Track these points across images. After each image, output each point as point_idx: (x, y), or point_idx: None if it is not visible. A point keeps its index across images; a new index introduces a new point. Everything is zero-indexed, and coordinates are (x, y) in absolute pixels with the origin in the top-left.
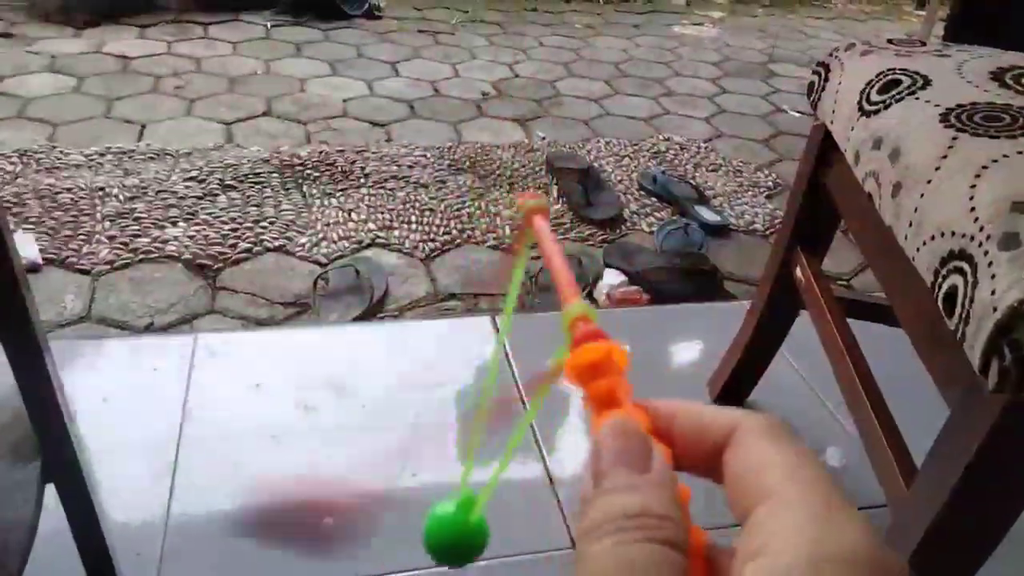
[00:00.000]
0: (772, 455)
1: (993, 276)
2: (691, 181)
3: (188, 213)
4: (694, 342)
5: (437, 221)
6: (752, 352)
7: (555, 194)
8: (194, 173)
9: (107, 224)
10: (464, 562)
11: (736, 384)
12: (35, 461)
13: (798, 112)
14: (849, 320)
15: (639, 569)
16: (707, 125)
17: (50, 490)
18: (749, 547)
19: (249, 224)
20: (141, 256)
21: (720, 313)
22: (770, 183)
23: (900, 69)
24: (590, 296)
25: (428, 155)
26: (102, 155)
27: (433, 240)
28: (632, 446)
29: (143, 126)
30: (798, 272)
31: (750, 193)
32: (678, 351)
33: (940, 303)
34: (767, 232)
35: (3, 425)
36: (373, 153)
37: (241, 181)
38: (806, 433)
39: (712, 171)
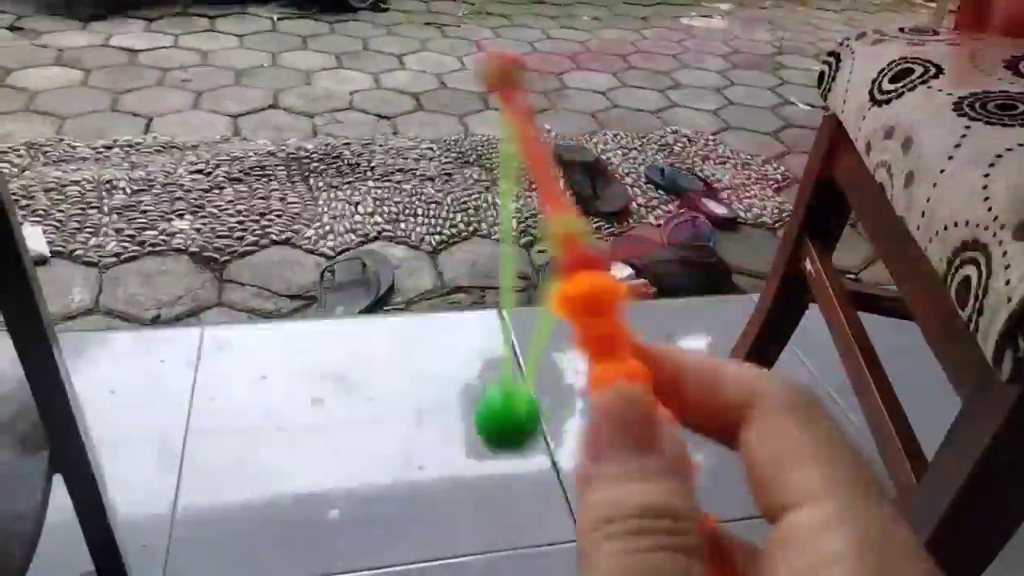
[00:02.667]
0: (804, 442)
1: (1007, 266)
2: (699, 174)
3: (195, 206)
4: (702, 335)
5: (444, 214)
6: (761, 345)
7: (562, 187)
8: (200, 166)
9: (114, 217)
10: (517, 444)
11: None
12: (43, 452)
13: (807, 104)
14: (859, 313)
15: None
16: (715, 117)
17: (58, 481)
18: (792, 564)
19: (255, 217)
20: (148, 249)
21: (728, 306)
22: (778, 176)
23: (912, 58)
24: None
25: (435, 148)
26: (109, 148)
27: (439, 233)
28: (638, 418)
29: (150, 119)
30: (807, 265)
31: (758, 186)
32: (686, 345)
33: (953, 294)
34: (775, 225)
35: (11, 416)
36: (379, 146)
37: (247, 174)
38: None
39: (720, 164)
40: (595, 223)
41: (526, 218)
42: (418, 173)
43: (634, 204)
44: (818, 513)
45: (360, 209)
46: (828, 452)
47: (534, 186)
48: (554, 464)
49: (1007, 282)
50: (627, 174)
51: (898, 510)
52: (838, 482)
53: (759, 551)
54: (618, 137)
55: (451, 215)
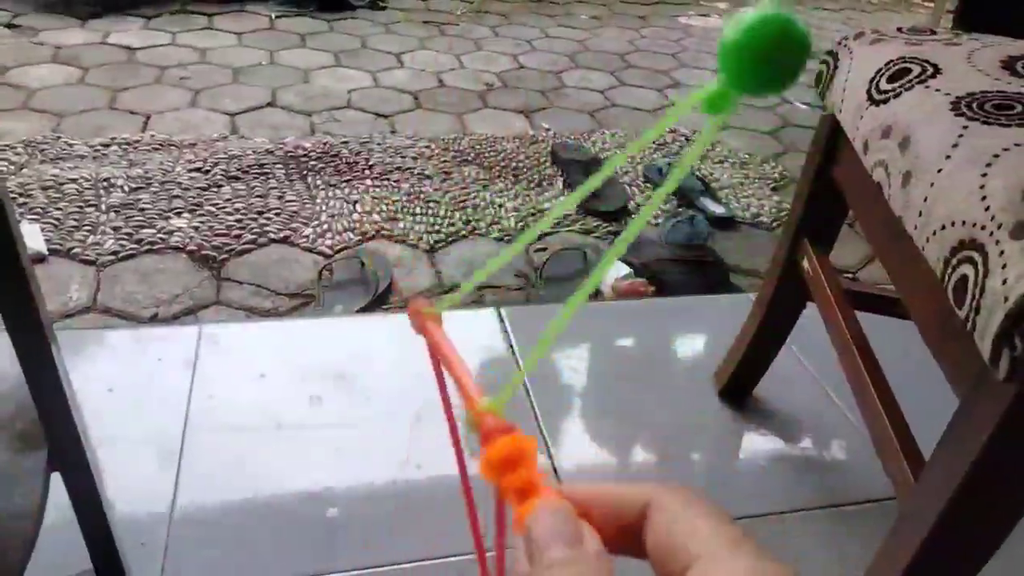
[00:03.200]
0: (694, 520)
1: (1004, 266)
2: (697, 173)
3: (193, 204)
4: (700, 334)
5: (442, 212)
6: (758, 344)
7: (560, 186)
8: (198, 164)
9: (112, 215)
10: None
11: (742, 377)
12: (41, 450)
13: (804, 104)
14: (856, 312)
15: None
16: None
17: (56, 479)
18: None
19: (253, 215)
20: (146, 247)
21: (726, 305)
22: (776, 175)
23: (910, 57)
24: (595, 289)
25: (433, 146)
26: (107, 146)
27: (438, 231)
28: (566, 524)
29: (148, 117)
30: (805, 264)
31: (756, 185)
32: (684, 344)
33: (950, 293)
34: (773, 224)
35: (9, 414)
36: (378, 144)
37: (245, 172)
38: (812, 426)
39: (718, 163)
40: (593, 222)
41: (524, 217)
42: (416, 172)
43: (632, 203)
44: (705, 561)
45: (358, 208)
46: (714, 524)
47: (459, 391)
48: (552, 463)
49: (1004, 281)
50: (625, 173)
51: (787, 565)
52: (722, 538)
53: None
54: (616, 136)
55: (449, 214)
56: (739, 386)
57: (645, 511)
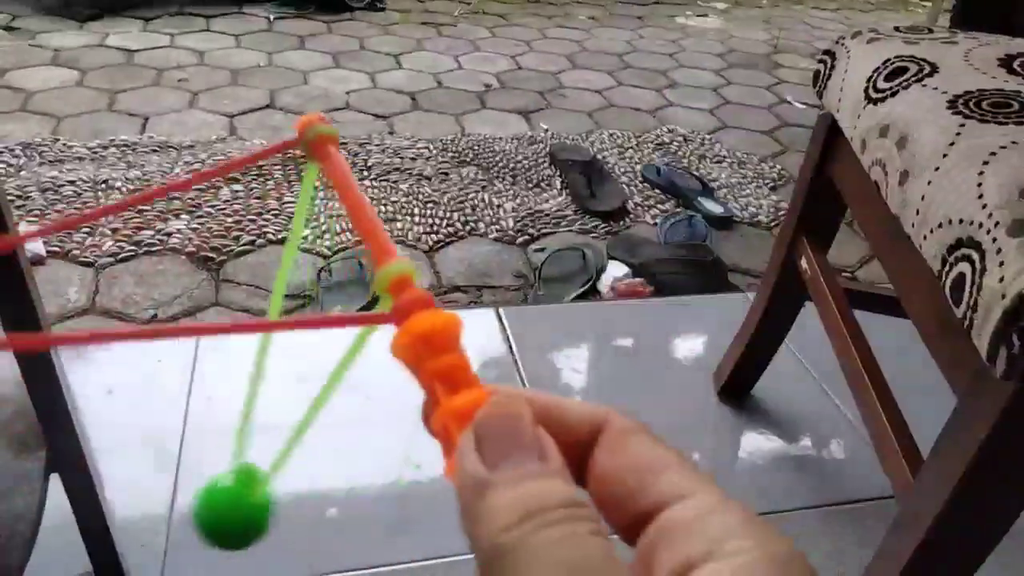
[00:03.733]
0: (664, 454)
1: (1001, 263)
2: (695, 173)
3: (191, 205)
4: (698, 334)
5: (440, 213)
6: (757, 343)
7: (559, 186)
8: (197, 166)
9: (110, 217)
10: (241, 545)
11: (741, 376)
12: (40, 452)
13: (803, 103)
14: (855, 311)
15: (612, 565)
16: (711, 116)
17: (55, 481)
18: (679, 551)
19: (252, 216)
20: (144, 249)
21: (724, 305)
22: (775, 175)
23: (907, 56)
24: (594, 288)
25: (431, 147)
26: (105, 148)
27: (436, 232)
28: (527, 427)
29: (146, 119)
30: (803, 263)
31: (754, 185)
32: (682, 343)
33: (948, 291)
34: (771, 224)
35: (8, 417)
36: (376, 145)
37: (244, 173)
38: (811, 424)
39: (716, 163)
40: (591, 222)
41: (523, 217)
42: (414, 172)
43: (630, 203)
44: (701, 502)
45: None
46: (684, 460)
47: (362, 240)
48: None
49: (1001, 279)
50: (623, 173)
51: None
52: (706, 480)
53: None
54: (614, 136)
55: (448, 214)
56: (738, 385)
57: (595, 433)
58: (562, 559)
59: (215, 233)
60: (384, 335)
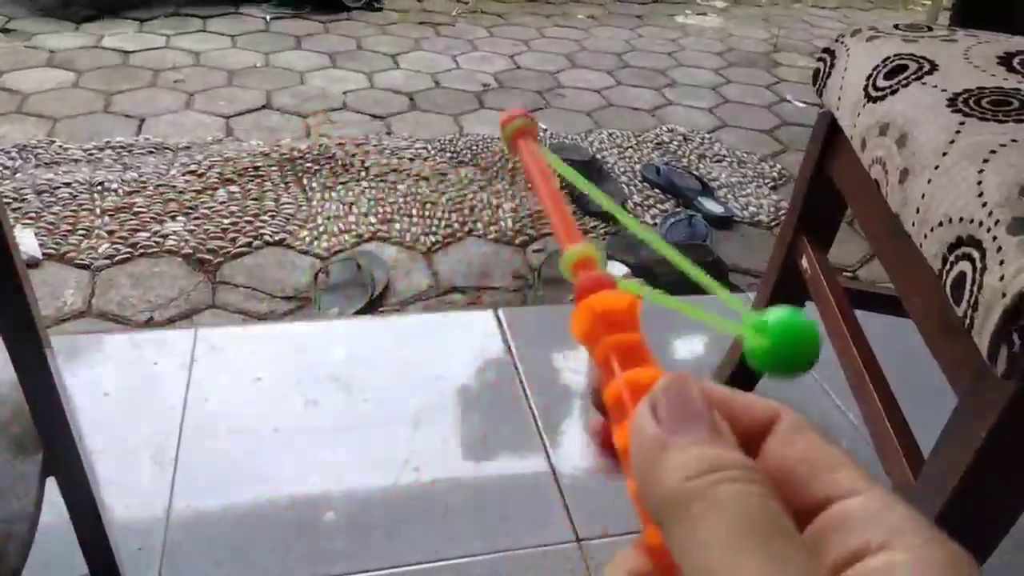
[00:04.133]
0: (837, 453)
1: (1002, 262)
2: (695, 172)
3: (188, 207)
4: (698, 334)
5: (438, 214)
6: None
7: (557, 186)
8: (193, 167)
9: (106, 219)
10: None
11: (741, 376)
12: (36, 455)
13: (802, 102)
14: (855, 311)
15: (786, 525)
16: (711, 116)
17: (51, 484)
18: (851, 542)
19: (249, 218)
20: (141, 251)
21: (724, 305)
22: (775, 174)
23: (907, 54)
24: None
25: (429, 148)
26: (101, 149)
27: (434, 233)
28: (700, 403)
29: (142, 120)
30: (803, 262)
31: (754, 184)
32: (682, 343)
33: (948, 290)
34: (771, 223)
35: (4, 419)
36: (373, 146)
37: (240, 175)
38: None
39: (716, 162)
40: (591, 222)
41: (522, 218)
42: (412, 173)
43: (630, 203)
44: (872, 498)
45: (354, 209)
46: (856, 461)
47: (550, 223)
48: (551, 465)
49: (1001, 277)
50: (623, 173)
51: None
52: (878, 482)
53: None
54: (614, 136)
55: (446, 215)
56: (738, 386)
57: (769, 423)
58: (745, 511)
59: (212, 235)
60: (386, 335)
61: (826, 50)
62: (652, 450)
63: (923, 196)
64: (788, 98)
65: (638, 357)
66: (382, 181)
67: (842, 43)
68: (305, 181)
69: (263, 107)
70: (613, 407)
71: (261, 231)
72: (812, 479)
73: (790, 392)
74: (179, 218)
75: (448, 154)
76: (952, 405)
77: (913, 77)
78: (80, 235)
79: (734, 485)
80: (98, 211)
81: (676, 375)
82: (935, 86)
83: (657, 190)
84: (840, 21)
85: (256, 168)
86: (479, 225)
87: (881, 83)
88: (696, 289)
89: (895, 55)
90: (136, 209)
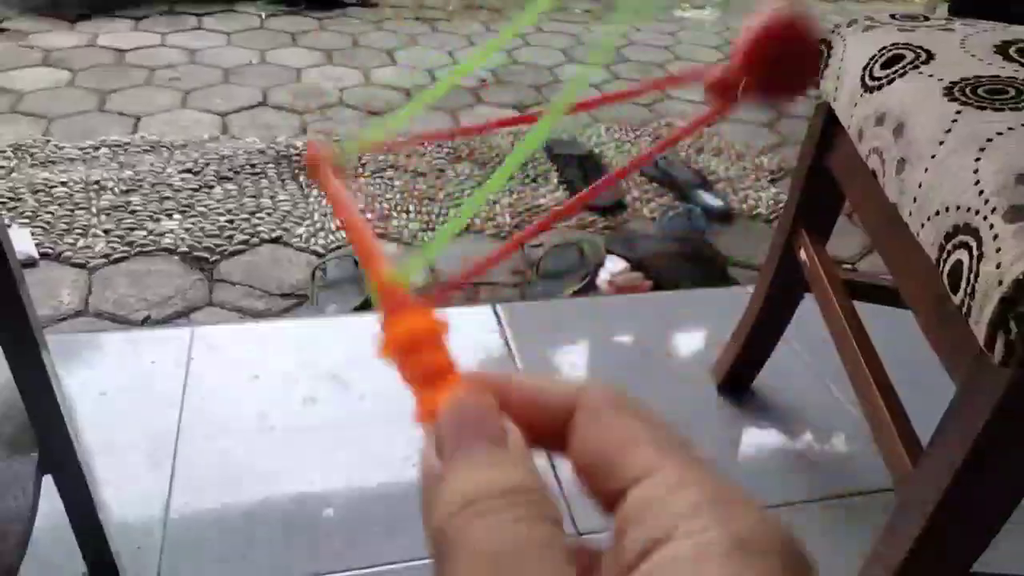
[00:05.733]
0: (634, 428)
1: (999, 249)
2: (693, 166)
3: (184, 205)
4: (697, 328)
5: (436, 210)
6: (756, 337)
7: (555, 181)
8: (189, 165)
9: (103, 218)
10: None
11: (741, 370)
12: (32, 453)
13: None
14: (854, 302)
15: (537, 552)
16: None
17: (50, 484)
18: (645, 533)
19: (246, 216)
20: (137, 249)
21: (723, 299)
22: (773, 167)
23: (903, 44)
24: (592, 283)
25: (426, 143)
26: (97, 148)
27: (432, 229)
28: (486, 417)
29: (138, 119)
30: (802, 254)
31: (753, 177)
32: (681, 338)
33: (945, 279)
34: (770, 217)
35: (0, 417)
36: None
37: (237, 172)
38: (811, 417)
39: (714, 155)
40: (589, 217)
41: (519, 213)
42: (409, 169)
43: (628, 197)
44: (661, 480)
45: None
46: (653, 431)
47: (358, 253)
48: (550, 461)
49: (998, 265)
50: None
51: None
52: (670, 453)
53: (603, 550)
54: (611, 130)
55: (444, 211)
56: (737, 379)
57: (570, 411)
58: (488, 545)
59: (208, 233)
60: (373, 337)
61: (822, 41)
62: (429, 487)
63: (920, 185)
64: None
65: (437, 376)
66: (379, 177)
67: (838, 33)
68: (302, 178)
69: (259, 104)
70: (425, 435)
71: (258, 228)
72: (611, 463)
73: (792, 387)
74: (175, 216)
75: (445, 150)
76: (951, 395)
77: (910, 66)
78: (76, 234)
79: (487, 518)
80: (94, 210)
81: (460, 393)
82: (932, 75)
83: (655, 184)
84: (838, 15)
85: (252, 165)
86: (477, 221)
87: (878, 73)
88: (696, 283)
89: (891, 44)
90: (132, 208)
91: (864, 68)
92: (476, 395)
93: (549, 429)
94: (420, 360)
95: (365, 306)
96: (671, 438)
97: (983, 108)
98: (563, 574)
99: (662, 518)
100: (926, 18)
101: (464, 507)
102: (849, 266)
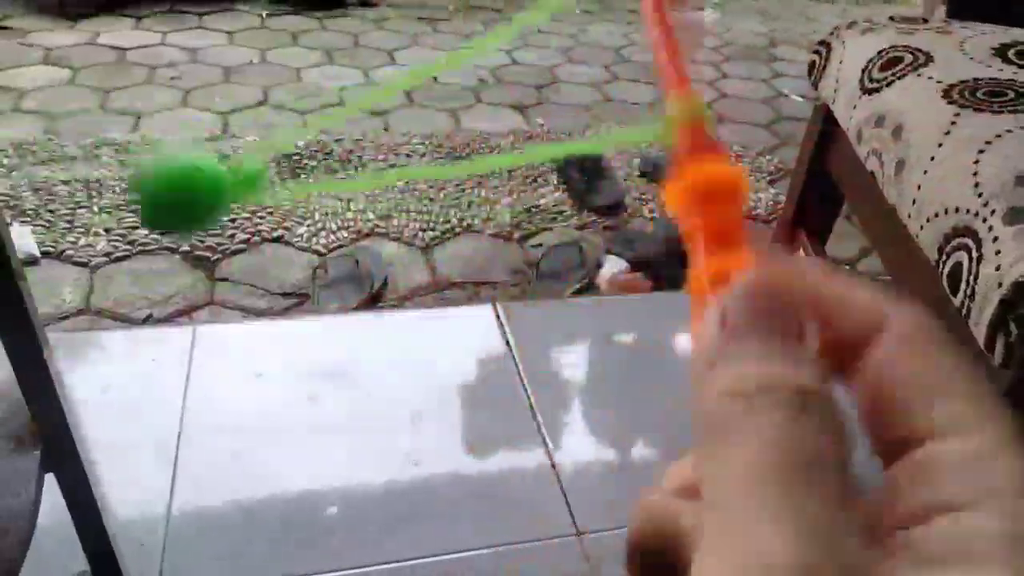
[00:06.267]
0: (945, 375)
1: (998, 252)
2: None
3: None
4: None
5: (436, 210)
6: None
7: (555, 181)
8: None
9: (104, 216)
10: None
11: None
12: (34, 451)
13: (800, 96)
14: None
15: (811, 462)
16: (708, 110)
17: (52, 482)
18: (930, 494)
19: (247, 214)
20: (139, 248)
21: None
22: (772, 168)
23: (902, 46)
24: (591, 284)
25: (426, 143)
26: (98, 147)
27: (432, 229)
28: (787, 306)
29: (138, 117)
30: (801, 255)
31: (752, 178)
32: (681, 337)
33: (945, 281)
34: (770, 218)
35: (2, 416)
36: (371, 142)
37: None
38: None
39: None
40: (589, 217)
41: (519, 213)
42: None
43: (628, 197)
44: (972, 446)
45: (352, 206)
46: (971, 386)
47: (659, 66)
48: (551, 458)
49: (997, 267)
50: (620, 167)
51: None
52: (988, 418)
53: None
54: (611, 131)
55: (444, 211)
56: None
57: (875, 330)
58: (774, 446)
59: (209, 232)
60: (385, 330)
61: (822, 43)
62: (705, 362)
63: (919, 187)
64: (786, 92)
65: (732, 239)
66: (379, 177)
67: (837, 36)
68: (303, 177)
69: (260, 103)
70: (695, 299)
71: (259, 227)
72: (908, 409)
73: None
74: None
75: (446, 149)
76: None
77: (909, 69)
78: (78, 232)
79: (771, 414)
80: (96, 208)
81: (759, 271)
82: (930, 77)
83: (655, 184)
84: (838, 16)
85: None
86: (477, 221)
87: (877, 75)
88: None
89: (890, 47)
90: (134, 206)
91: (863, 70)
92: (784, 276)
93: (844, 343)
94: (716, 213)
95: (366, 305)
96: (983, 396)
97: (982, 111)
98: (833, 509)
99: (967, 484)
100: (925, 20)
101: (746, 394)
102: (848, 268)
